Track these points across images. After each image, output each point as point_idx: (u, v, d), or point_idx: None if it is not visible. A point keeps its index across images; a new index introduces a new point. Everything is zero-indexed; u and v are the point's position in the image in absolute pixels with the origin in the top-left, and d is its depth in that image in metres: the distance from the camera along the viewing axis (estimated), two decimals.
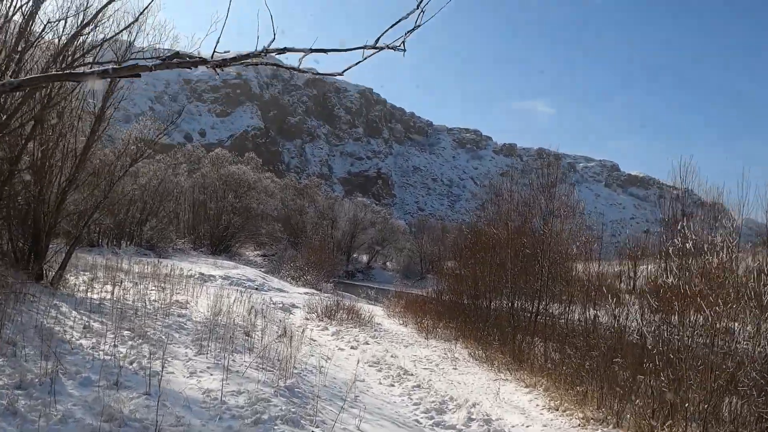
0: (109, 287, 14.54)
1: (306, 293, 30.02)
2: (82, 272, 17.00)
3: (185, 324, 10.72)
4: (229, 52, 4.33)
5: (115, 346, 7.96)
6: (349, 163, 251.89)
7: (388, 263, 77.29)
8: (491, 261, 17.10)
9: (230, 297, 15.57)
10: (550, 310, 15.34)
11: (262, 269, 39.69)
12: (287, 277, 36.18)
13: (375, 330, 18.94)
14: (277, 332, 12.32)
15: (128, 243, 35.38)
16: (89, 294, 13.24)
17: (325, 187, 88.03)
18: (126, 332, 8.84)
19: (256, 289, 26.81)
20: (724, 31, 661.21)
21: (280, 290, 28.86)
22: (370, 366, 12.87)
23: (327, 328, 17.63)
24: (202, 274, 25.91)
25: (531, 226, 16.57)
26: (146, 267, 21.42)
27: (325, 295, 32.19)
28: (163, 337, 9.06)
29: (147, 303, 12.65)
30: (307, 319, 19.29)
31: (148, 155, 13.68)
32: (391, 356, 14.27)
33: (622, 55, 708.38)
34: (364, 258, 74.43)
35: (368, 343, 16.09)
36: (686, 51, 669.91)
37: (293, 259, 38.73)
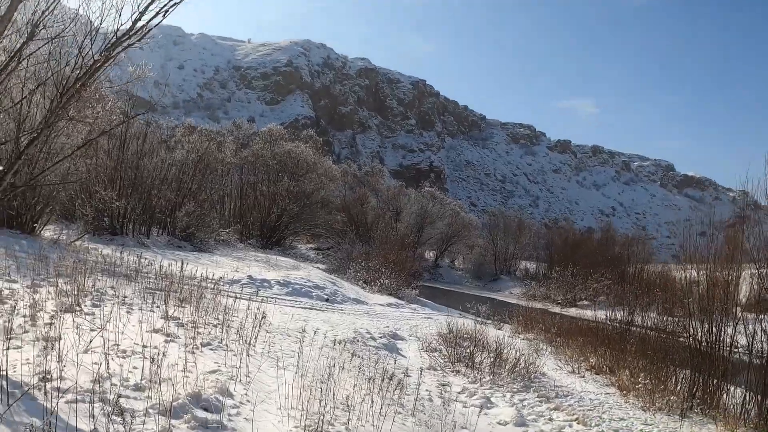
0: (66, 320, 6.73)
1: (389, 304, 22.18)
2: (49, 280, 9.19)
3: None
4: None
5: None
6: (401, 155, 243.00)
7: (455, 261, 68.45)
8: None
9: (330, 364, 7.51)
10: None
11: (321, 266, 31.87)
12: (357, 279, 28.25)
13: (557, 394, 10.65)
14: None
15: (160, 231, 27.95)
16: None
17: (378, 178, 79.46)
18: None
19: (327, 300, 18.86)
20: None
21: (357, 301, 20.89)
22: None
23: (490, 400, 9.28)
24: (251, 279, 18.02)
25: None
26: (169, 266, 13.62)
27: (413, 306, 24.25)
28: None
29: (116, 405, 4.64)
30: (432, 368, 11.06)
31: (115, 57, 5.51)
32: None
33: (671, 53, 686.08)
34: (429, 255, 65.73)
35: None
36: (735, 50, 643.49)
37: (365, 257, 30.60)
